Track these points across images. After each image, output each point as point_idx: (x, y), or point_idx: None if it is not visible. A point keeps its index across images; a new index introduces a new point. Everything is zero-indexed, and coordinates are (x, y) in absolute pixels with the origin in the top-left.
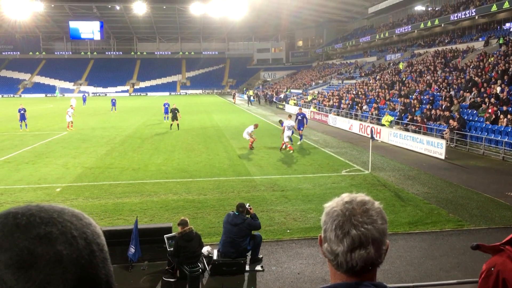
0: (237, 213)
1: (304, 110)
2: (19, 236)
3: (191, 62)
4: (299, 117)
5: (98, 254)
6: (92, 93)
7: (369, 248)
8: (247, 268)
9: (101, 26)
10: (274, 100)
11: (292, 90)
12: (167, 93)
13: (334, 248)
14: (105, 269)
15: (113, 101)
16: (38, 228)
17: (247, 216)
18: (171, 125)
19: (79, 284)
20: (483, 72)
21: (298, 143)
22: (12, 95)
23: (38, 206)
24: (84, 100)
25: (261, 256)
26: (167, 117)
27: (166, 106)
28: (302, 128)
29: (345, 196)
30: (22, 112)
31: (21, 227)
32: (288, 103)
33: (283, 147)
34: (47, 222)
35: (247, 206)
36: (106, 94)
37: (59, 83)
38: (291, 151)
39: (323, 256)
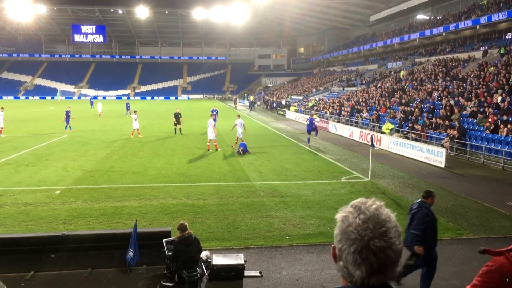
0: (419, 200)
1: (305, 117)
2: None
3: (192, 67)
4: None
5: None
6: (93, 96)
7: (386, 271)
8: (245, 273)
9: (104, 30)
10: (274, 105)
11: (293, 97)
12: (172, 98)
13: (352, 271)
14: None
15: (128, 105)
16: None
17: (425, 206)
18: (175, 129)
19: None
20: (484, 82)
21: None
22: (13, 97)
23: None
24: (92, 103)
25: None
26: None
27: (215, 112)
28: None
29: (359, 211)
30: (68, 114)
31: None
32: (289, 109)
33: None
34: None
35: None
36: (105, 98)
37: (60, 86)
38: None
39: (337, 271)
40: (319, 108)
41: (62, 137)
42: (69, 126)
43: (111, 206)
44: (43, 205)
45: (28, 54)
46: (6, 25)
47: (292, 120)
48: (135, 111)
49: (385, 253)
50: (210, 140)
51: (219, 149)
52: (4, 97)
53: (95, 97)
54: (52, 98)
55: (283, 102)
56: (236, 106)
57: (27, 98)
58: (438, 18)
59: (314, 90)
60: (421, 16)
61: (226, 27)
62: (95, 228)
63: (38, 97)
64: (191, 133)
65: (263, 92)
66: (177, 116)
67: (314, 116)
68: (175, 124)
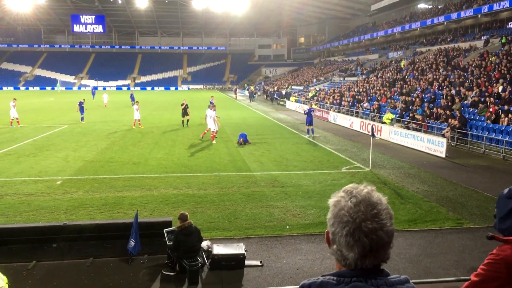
0: None
1: (305, 107)
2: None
3: (192, 57)
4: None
5: None
6: (94, 87)
7: (379, 253)
8: (246, 263)
9: (103, 20)
10: (275, 96)
11: (293, 87)
12: (172, 88)
13: (345, 253)
14: None
15: (132, 95)
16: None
17: None
18: (183, 121)
19: None
20: (485, 71)
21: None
22: (13, 88)
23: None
24: (93, 94)
25: None
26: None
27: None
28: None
29: (351, 195)
30: (82, 105)
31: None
32: (289, 100)
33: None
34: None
35: None
36: (105, 88)
37: (60, 76)
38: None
39: (331, 254)
40: (319, 98)
41: (63, 127)
42: (82, 118)
43: (112, 196)
44: (45, 195)
45: (27, 44)
46: (5, 15)
47: (293, 111)
48: (137, 102)
49: (377, 234)
50: (212, 130)
51: (213, 141)
52: (4, 88)
53: (95, 88)
54: (52, 88)
55: (283, 92)
56: (236, 97)
57: (27, 88)
58: (439, 7)
59: (314, 80)
60: (422, 5)
61: (226, 17)
62: (96, 218)
63: (38, 88)
64: (192, 124)
65: (263, 83)
66: (185, 107)
67: (314, 106)
68: (183, 116)
